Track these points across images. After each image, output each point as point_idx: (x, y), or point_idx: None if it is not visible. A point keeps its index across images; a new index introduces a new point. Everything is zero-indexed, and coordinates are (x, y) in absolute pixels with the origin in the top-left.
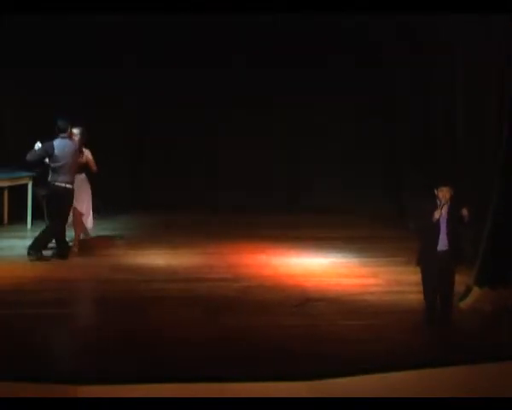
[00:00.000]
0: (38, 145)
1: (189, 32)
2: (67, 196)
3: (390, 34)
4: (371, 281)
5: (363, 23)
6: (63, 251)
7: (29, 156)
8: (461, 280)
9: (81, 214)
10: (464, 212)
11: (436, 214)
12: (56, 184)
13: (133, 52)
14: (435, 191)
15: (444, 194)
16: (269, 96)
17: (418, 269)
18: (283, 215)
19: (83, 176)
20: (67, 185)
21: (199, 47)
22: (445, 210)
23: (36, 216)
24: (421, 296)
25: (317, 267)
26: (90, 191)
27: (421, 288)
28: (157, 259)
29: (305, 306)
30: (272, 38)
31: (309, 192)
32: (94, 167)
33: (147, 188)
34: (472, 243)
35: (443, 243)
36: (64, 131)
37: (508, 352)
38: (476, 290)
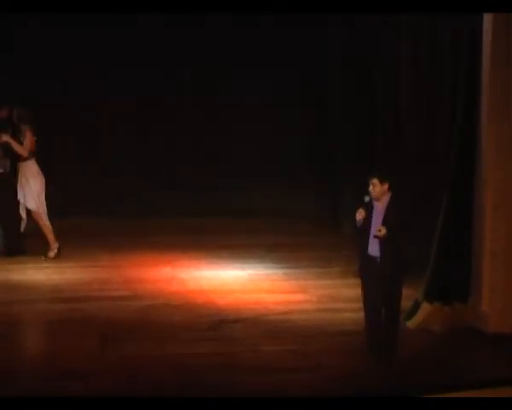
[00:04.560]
0: None
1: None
2: None
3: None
4: (299, 297)
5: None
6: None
7: None
8: (407, 294)
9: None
10: (381, 231)
11: (358, 214)
12: None
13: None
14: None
15: (372, 187)
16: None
17: (357, 282)
18: (193, 219)
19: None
20: None
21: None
22: (379, 208)
23: None
24: (360, 315)
25: (233, 282)
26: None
27: (360, 304)
28: (37, 274)
29: (219, 329)
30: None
31: (225, 192)
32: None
33: None
34: (419, 250)
35: (374, 249)
36: None
37: (465, 380)
38: (426, 306)
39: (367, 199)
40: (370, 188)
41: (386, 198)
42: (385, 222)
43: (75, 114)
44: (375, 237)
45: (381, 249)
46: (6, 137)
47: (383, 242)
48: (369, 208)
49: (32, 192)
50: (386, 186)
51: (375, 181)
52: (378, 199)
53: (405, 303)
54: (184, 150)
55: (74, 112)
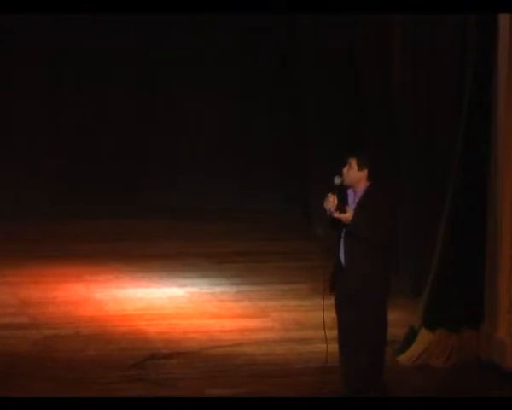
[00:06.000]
0: None
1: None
2: None
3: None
4: (257, 323)
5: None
6: None
7: None
8: (397, 319)
9: None
10: (344, 213)
11: (327, 201)
12: None
13: None
14: None
15: (348, 168)
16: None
17: (331, 301)
18: (114, 220)
19: None
20: None
21: None
22: (352, 198)
23: None
24: (337, 346)
25: (167, 303)
26: None
27: (336, 332)
28: None
29: (148, 366)
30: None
31: (161, 188)
32: None
33: None
34: (414, 258)
35: (343, 257)
36: None
37: None
38: (425, 335)
39: (337, 181)
40: (345, 169)
41: (362, 187)
42: (355, 217)
43: None
44: (334, 219)
45: (348, 255)
46: None
47: (351, 244)
48: (342, 198)
49: None
50: (364, 173)
51: (353, 163)
52: (353, 185)
53: (395, 331)
54: (109, 134)
55: None
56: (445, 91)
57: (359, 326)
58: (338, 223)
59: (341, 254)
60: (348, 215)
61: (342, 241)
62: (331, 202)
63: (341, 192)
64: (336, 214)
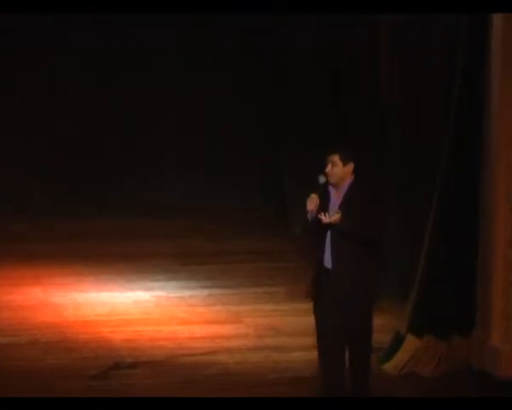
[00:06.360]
0: None
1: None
2: None
3: None
4: (230, 329)
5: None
6: None
7: None
8: (381, 325)
9: None
10: (333, 217)
11: (310, 202)
12: None
13: None
14: None
15: (331, 166)
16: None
17: (310, 306)
18: (75, 220)
19: None
20: None
21: None
22: (336, 196)
23: None
24: (315, 354)
25: (132, 308)
26: None
27: (315, 339)
28: None
29: (111, 377)
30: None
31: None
32: None
33: None
34: (400, 265)
35: (328, 260)
36: None
37: None
38: (412, 342)
39: (322, 180)
40: (328, 168)
41: (346, 183)
42: (343, 217)
43: None
44: (325, 224)
45: (336, 256)
46: None
47: (338, 244)
48: (324, 197)
49: None
50: (349, 168)
51: (336, 159)
52: (336, 184)
53: (380, 337)
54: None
55: None
56: (434, 91)
57: (343, 331)
58: (322, 226)
59: (326, 257)
60: (338, 217)
61: (328, 243)
62: (314, 202)
63: (324, 192)
64: (326, 219)
